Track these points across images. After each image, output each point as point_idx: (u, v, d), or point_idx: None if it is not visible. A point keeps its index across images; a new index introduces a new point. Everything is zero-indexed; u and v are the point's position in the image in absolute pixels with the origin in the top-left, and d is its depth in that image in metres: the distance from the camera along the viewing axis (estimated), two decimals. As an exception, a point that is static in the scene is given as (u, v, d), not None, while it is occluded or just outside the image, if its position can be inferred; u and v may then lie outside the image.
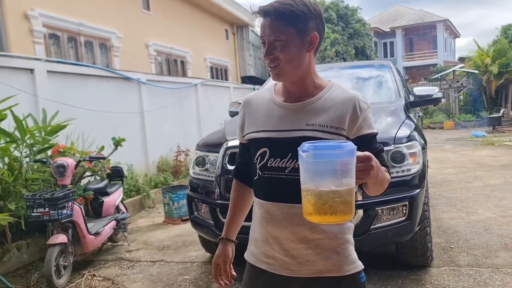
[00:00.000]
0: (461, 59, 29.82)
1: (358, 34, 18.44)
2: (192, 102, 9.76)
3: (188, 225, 5.45)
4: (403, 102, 4.18)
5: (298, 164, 1.31)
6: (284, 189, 1.41)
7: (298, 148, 1.20)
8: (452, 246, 4.11)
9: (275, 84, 1.55)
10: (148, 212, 6.51)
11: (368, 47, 18.92)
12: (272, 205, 1.44)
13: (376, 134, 1.45)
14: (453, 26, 38.71)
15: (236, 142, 3.24)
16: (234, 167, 1.71)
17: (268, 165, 1.43)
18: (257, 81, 16.38)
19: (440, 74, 22.58)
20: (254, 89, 14.53)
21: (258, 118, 1.49)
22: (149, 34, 10.65)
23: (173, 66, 12.04)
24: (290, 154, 1.38)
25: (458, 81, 20.29)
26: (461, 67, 21.55)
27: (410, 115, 4.03)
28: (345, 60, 17.58)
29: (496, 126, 16.34)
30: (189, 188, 3.87)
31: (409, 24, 35.23)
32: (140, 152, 7.58)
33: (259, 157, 1.45)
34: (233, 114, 5.06)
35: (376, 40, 32.22)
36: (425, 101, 4.48)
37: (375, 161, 1.19)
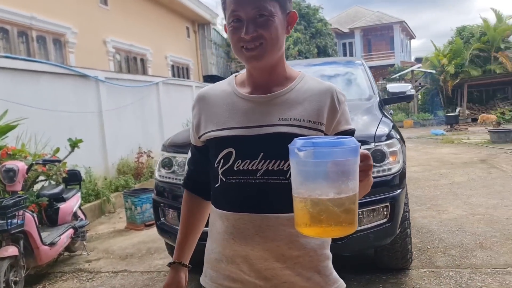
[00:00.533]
0: (417, 60, 30.65)
1: (320, 34, 18.48)
2: (153, 101, 9.38)
3: (152, 231, 5.14)
4: (378, 99, 4.06)
5: (272, 166, 1.16)
6: (255, 197, 1.19)
7: (289, 145, 1.00)
8: (428, 247, 4.02)
9: (235, 76, 1.34)
10: (108, 218, 6.12)
11: (330, 46, 19.02)
12: (241, 216, 1.20)
13: (354, 130, 1.27)
14: (409, 28, 39.76)
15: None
16: (185, 176, 1.45)
17: (235, 169, 1.20)
18: (219, 80, 16.10)
19: (399, 74, 23.09)
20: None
21: (218, 114, 1.26)
22: (107, 30, 10.16)
23: (133, 64, 11.58)
24: (261, 154, 1.17)
25: (416, 81, 20.81)
26: (418, 67, 22.09)
27: (385, 113, 3.91)
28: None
29: (454, 124, 16.83)
30: (154, 192, 3.58)
31: (367, 25, 35.85)
32: (98, 154, 7.15)
33: (222, 160, 1.21)
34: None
35: (336, 40, 32.65)
36: (398, 98, 4.39)
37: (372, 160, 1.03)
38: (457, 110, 19.67)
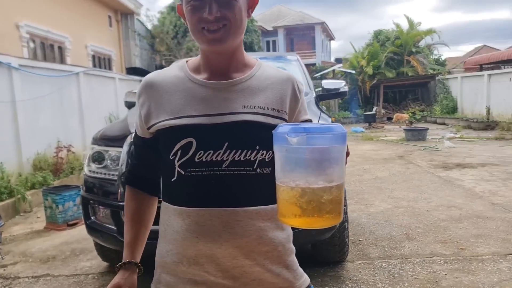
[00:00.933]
0: (337, 60, 31.99)
1: (246, 30, 18.49)
2: (73, 93, 8.80)
3: (76, 231, 4.82)
4: (314, 95, 4.10)
5: (239, 156, 1.09)
6: (221, 190, 1.11)
7: (275, 131, 0.97)
8: (360, 239, 4.15)
9: (187, 61, 1.24)
10: (24, 218, 5.61)
11: (256, 43, 19.17)
12: (206, 212, 1.11)
13: (311, 120, 1.27)
14: (329, 29, 41.33)
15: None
16: (127, 171, 1.32)
17: (196, 160, 1.10)
18: (143, 73, 15.54)
19: (321, 73, 23.88)
20: (140, 81, 13.73)
21: (172, 101, 1.15)
22: (20, 13, 9.32)
23: (50, 51, 10.75)
24: (226, 143, 1.09)
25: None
26: (339, 67, 23.04)
27: (322, 109, 3.96)
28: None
29: (372, 123, 17.79)
30: (83, 188, 3.31)
31: (290, 25, 36.68)
32: (11, 148, 6.54)
33: (180, 151, 1.11)
34: (130, 104, 4.54)
35: (260, 38, 33.04)
36: (333, 94, 4.46)
37: None
38: (374, 109, 20.80)
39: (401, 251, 3.81)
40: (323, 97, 4.49)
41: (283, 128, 0.96)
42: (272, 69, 1.25)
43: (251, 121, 1.11)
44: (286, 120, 1.18)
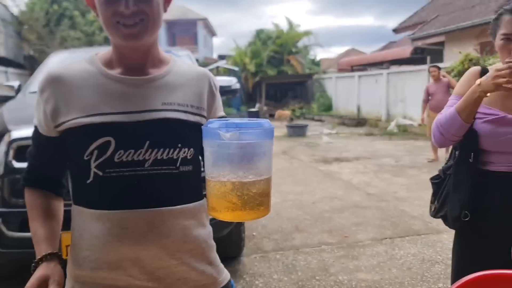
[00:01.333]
0: (220, 57, 32.29)
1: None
2: None
3: None
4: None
5: (161, 155, 1.09)
6: (146, 190, 1.08)
7: (206, 127, 0.98)
8: (254, 234, 4.25)
9: (97, 54, 1.18)
10: None
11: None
12: (130, 214, 1.07)
13: (225, 117, 1.29)
14: (211, 25, 41.59)
15: (25, 133, 2.54)
16: (26, 171, 1.21)
17: (116, 160, 1.05)
18: (9, 63, 14.01)
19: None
20: (6, 72, 12.40)
21: (84, 98, 1.08)
22: None
23: None
24: (147, 142, 1.07)
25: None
26: (223, 64, 23.30)
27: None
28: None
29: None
30: None
31: (172, 19, 36.03)
32: None
33: (96, 151, 1.05)
34: (0, 99, 4.05)
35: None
36: (225, 91, 4.45)
37: None
38: (257, 106, 21.47)
39: (293, 243, 4.00)
40: (216, 94, 4.48)
41: (213, 124, 0.97)
42: (187, 65, 1.25)
43: (172, 118, 1.10)
44: (205, 117, 1.17)
